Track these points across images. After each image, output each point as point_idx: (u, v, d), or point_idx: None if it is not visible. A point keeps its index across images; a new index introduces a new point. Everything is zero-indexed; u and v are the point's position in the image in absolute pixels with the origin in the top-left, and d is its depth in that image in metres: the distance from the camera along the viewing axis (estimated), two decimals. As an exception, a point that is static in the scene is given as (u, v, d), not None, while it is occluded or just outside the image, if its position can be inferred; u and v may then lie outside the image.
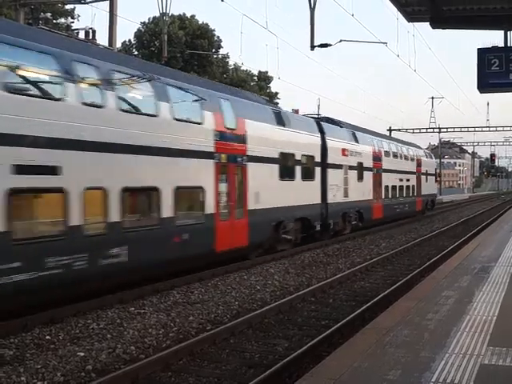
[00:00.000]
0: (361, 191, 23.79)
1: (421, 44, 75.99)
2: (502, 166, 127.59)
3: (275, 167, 16.59)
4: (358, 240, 21.56)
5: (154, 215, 11.78)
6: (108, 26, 19.91)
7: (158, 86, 12.10)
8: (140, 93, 12.20)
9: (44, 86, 9.94)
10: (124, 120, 10.98)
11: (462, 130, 57.62)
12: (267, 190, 15.76)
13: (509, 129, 56.31)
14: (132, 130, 11.09)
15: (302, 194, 18.11)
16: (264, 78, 51.24)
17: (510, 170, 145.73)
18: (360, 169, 23.85)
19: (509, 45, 10.35)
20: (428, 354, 5.76)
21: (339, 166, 21.67)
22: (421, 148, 39.72)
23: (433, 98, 60.08)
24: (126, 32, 57.52)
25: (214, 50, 44.45)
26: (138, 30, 42.82)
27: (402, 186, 30.39)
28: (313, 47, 18.78)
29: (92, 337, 8.48)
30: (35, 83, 9.73)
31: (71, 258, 9.42)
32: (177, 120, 12.44)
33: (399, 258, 17.24)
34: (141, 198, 12.13)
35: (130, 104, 11.67)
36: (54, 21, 33.25)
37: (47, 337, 8.43)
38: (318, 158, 19.68)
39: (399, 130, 55.31)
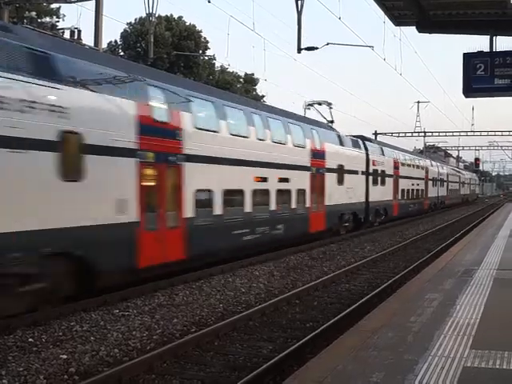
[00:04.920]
0: None
1: (407, 48, 76.31)
2: (487, 170, 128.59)
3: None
4: (344, 243, 21.64)
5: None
6: (94, 26, 19.78)
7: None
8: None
9: None
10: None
11: (447, 134, 58.12)
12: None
13: (493, 133, 56.89)
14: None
15: None
16: (250, 80, 51.26)
17: (494, 174, 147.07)
18: None
19: (494, 50, 10.46)
20: (411, 356, 5.78)
21: None
22: (332, 129, 24.99)
23: (418, 102, 60.50)
24: (112, 32, 57.33)
25: (200, 52, 44.32)
26: (124, 30, 42.55)
27: (234, 193, 15.45)
28: (300, 50, 18.84)
29: (75, 339, 8.40)
30: None
31: None
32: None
33: (384, 260, 17.32)
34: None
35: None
36: (39, 20, 32.96)
37: (30, 339, 8.33)
38: None
39: (385, 133, 55.61)
